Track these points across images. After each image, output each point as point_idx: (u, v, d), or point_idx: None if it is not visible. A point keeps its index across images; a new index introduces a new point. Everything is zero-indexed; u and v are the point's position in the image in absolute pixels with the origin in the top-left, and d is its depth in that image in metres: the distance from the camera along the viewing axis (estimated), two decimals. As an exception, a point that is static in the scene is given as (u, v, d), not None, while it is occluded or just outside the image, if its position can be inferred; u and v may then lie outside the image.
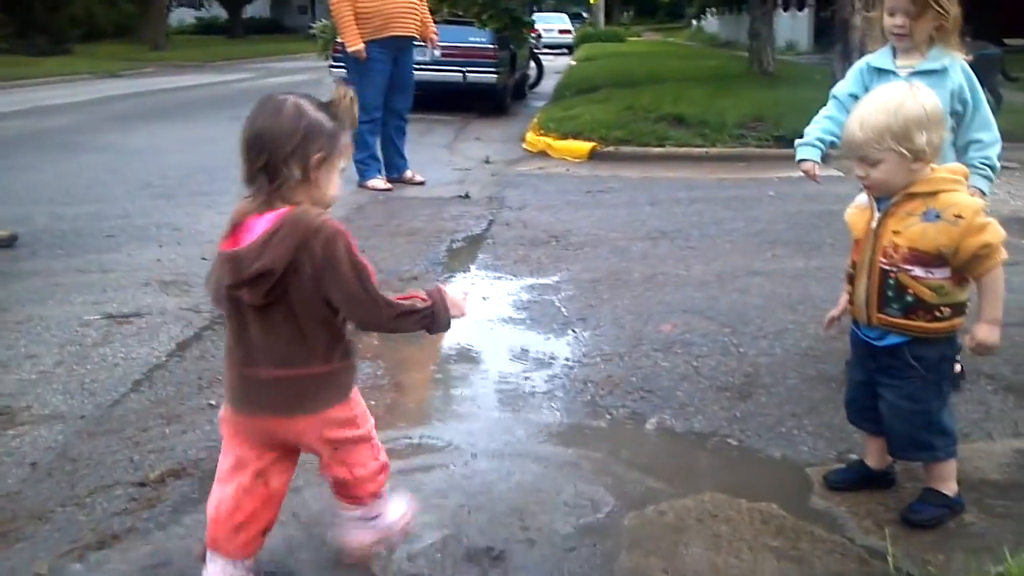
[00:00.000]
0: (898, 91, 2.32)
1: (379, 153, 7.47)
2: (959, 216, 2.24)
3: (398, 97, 7.43)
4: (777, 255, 5.15)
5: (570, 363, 3.68)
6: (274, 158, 1.92)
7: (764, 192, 6.90)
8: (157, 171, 7.85)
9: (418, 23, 7.41)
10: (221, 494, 2.09)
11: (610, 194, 6.98)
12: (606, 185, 7.30)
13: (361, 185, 7.27)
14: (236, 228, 1.97)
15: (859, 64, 3.23)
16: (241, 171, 1.96)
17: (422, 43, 7.64)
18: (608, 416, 3.18)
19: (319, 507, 2.48)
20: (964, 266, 2.27)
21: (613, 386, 3.42)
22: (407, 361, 3.74)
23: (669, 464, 2.85)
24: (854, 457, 2.74)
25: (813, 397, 3.29)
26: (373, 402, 3.28)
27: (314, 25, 12.52)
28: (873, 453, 2.62)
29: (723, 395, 3.33)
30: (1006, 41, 22.02)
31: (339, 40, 7.41)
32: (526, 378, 3.54)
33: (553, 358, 3.75)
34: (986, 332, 2.31)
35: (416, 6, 7.36)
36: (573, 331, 4.05)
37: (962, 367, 3.36)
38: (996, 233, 2.25)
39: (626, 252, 5.28)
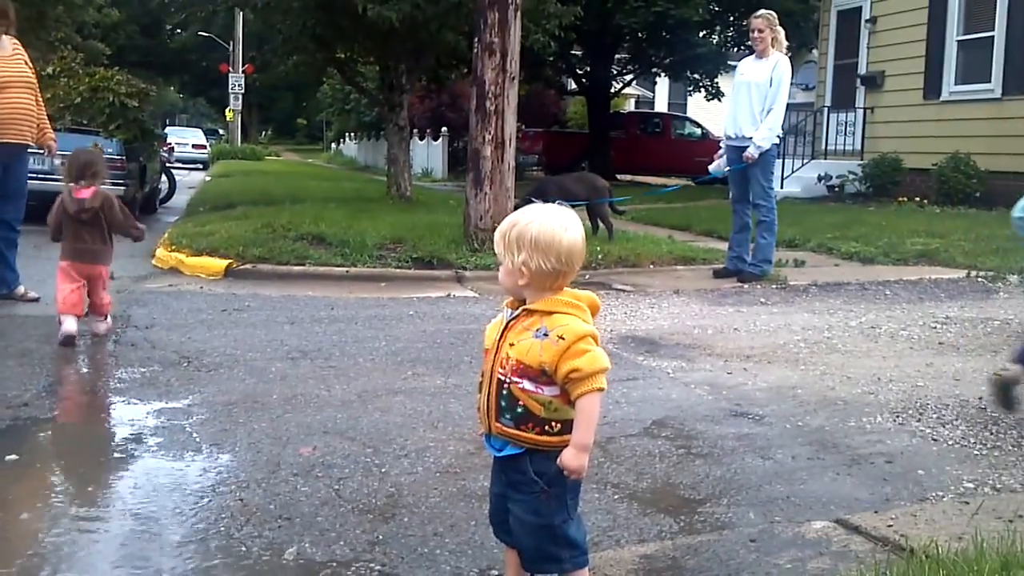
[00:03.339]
0: (541, 210, 2.43)
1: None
2: (561, 337, 2.33)
3: (8, 206, 6.82)
4: (418, 373, 5.20)
5: (202, 493, 3.42)
6: (98, 169, 5.89)
7: (404, 311, 7.00)
8: None
9: (34, 129, 6.89)
10: (66, 291, 5.58)
11: (247, 313, 6.75)
12: (243, 304, 7.06)
13: (-37, 302, 6.51)
14: (77, 191, 5.71)
15: None
16: (75, 174, 5.75)
17: (38, 150, 7.10)
18: (243, 548, 2.97)
19: None
20: (563, 386, 2.34)
21: (249, 515, 3.22)
22: (14, 499, 3.30)
23: (309, 596, 2.69)
24: (495, 573, 2.74)
25: (455, 514, 3.29)
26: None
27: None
28: (511, 566, 2.63)
29: (365, 518, 3.24)
30: (617, 176, 24.61)
31: None
32: (152, 511, 3.24)
33: (183, 488, 3.47)
34: (570, 456, 2.34)
35: (32, 111, 6.85)
36: (206, 458, 3.79)
37: None
38: (593, 361, 2.32)
39: (264, 373, 5.08)
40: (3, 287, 6.85)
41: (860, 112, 17.29)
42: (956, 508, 3.38)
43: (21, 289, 6.91)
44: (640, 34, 24.35)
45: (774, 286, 8.25)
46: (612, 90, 28.35)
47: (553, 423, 2.37)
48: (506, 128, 9.28)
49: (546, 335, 2.34)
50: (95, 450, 4.03)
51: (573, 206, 2.56)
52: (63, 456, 3.92)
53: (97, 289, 5.77)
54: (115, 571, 2.83)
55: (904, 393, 4.94)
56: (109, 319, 5.89)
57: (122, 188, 11.56)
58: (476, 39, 9.30)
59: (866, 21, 17.26)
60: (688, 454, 3.99)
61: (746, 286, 8.25)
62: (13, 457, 3.71)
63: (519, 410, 2.37)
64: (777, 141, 8.57)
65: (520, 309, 2.42)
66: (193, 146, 37.55)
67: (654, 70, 29.16)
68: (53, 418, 4.29)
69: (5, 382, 4.68)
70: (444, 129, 28.66)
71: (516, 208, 2.85)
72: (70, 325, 5.48)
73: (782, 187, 14.79)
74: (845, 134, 17.39)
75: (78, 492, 3.46)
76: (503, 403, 2.40)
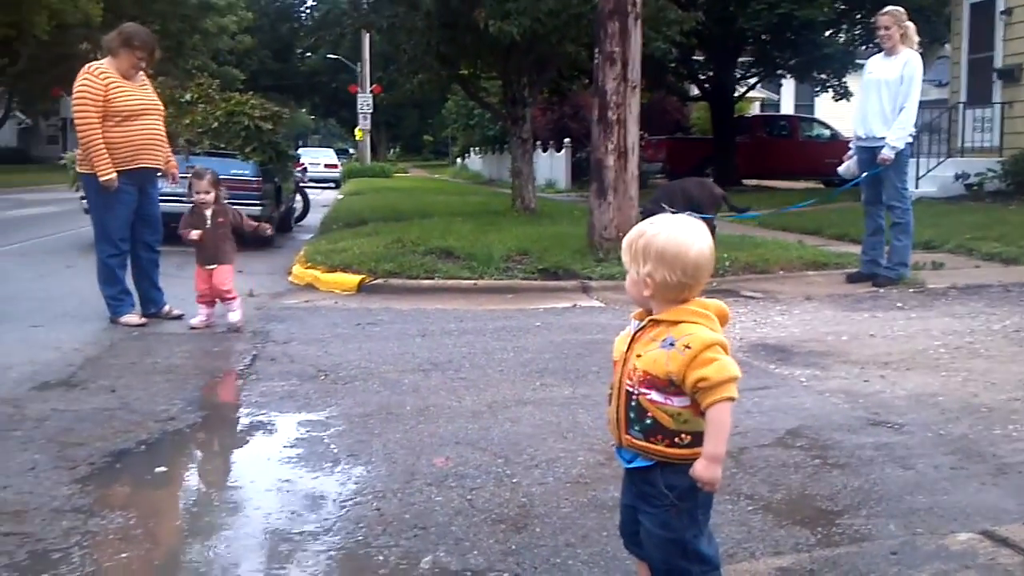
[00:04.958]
0: (670, 221, 2.41)
1: (131, 287, 7.12)
2: (687, 346, 2.30)
3: (146, 229, 7.17)
4: (546, 384, 5.24)
5: (340, 502, 3.53)
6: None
7: (531, 323, 7.05)
8: None
9: (165, 154, 7.25)
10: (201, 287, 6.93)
11: (380, 326, 6.92)
12: (376, 317, 7.25)
13: (114, 321, 6.87)
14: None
15: None
16: (205, 187, 6.83)
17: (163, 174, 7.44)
18: (380, 557, 3.05)
19: None
20: (692, 396, 2.31)
21: (386, 524, 3.30)
22: (163, 508, 3.47)
23: (446, 604, 2.74)
24: (628, 584, 2.74)
25: (586, 525, 3.30)
26: (125, 555, 3.02)
27: (65, 155, 11.96)
28: (645, 579, 2.63)
29: (498, 528, 3.28)
30: (743, 181, 24.23)
31: (80, 170, 7.07)
32: (293, 520, 3.36)
33: (322, 498, 3.59)
34: (702, 468, 2.31)
35: (163, 137, 7.23)
36: (343, 468, 3.91)
37: None
38: (721, 370, 2.28)
39: (397, 385, 5.21)
40: (151, 306, 7.19)
41: (997, 107, 16.55)
42: (1114, 520, 3.21)
43: (167, 307, 7.26)
44: (764, 36, 23.88)
45: (911, 290, 7.99)
46: (736, 94, 27.89)
47: (683, 435, 2.35)
48: (629, 137, 9.26)
49: (672, 345, 2.33)
50: (238, 461, 4.20)
51: (706, 221, 2.53)
52: (208, 467, 4.10)
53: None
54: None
55: (1055, 399, 4.72)
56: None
57: (258, 209, 12.03)
58: (596, 50, 9.32)
59: (1001, 13, 16.53)
60: (824, 464, 3.90)
61: (881, 290, 8.02)
62: (162, 468, 3.91)
63: (648, 422, 2.36)
64: (910, 140, 8.30)
65: (646, 320, 2.42)
66: (325, 166, 38.74)
67: (779, 72, 28.52)
68: (198, 431, 4.49)
69: (154, 397, 4.91)
70: (567, 140, 28.73)
71: (643, 215, 2.84)
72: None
73: (917, 187, 14.29)
74: (982, 130, 16.67)
75: (224, 501, 3.61)
76: (632, 415, 2.39)
